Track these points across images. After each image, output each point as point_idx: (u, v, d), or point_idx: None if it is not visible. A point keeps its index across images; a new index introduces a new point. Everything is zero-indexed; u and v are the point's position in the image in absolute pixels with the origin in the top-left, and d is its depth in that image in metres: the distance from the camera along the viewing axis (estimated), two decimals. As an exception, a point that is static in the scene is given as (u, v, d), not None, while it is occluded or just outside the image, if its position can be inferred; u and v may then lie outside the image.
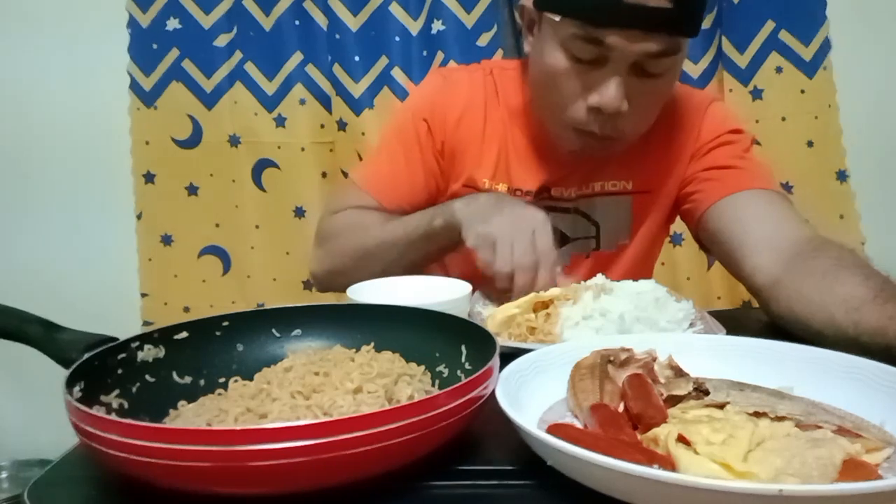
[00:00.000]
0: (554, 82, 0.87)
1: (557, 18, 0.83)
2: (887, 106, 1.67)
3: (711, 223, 0.93)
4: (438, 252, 0.96)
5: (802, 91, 1.62)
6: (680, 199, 1.01)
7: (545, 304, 0.77)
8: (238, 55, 1.69)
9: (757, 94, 1.62)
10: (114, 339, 0.55)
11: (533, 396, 0.53)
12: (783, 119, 1.62)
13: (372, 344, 0.60)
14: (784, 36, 1.60)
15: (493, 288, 0.83)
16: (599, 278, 0.82)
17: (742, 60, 1.62)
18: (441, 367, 0.58)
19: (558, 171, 0.99)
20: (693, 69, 1.61)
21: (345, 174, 1.67)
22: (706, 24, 1.59)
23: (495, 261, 0.80)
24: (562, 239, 1.02)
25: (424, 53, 1.66)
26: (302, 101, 1.70)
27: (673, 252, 1.66)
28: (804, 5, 1.60)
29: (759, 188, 0.91)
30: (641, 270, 1.04)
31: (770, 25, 1.61)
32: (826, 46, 1.60)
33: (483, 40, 1.64)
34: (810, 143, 1.63)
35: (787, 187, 1.63)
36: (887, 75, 1.67)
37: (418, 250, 0.94)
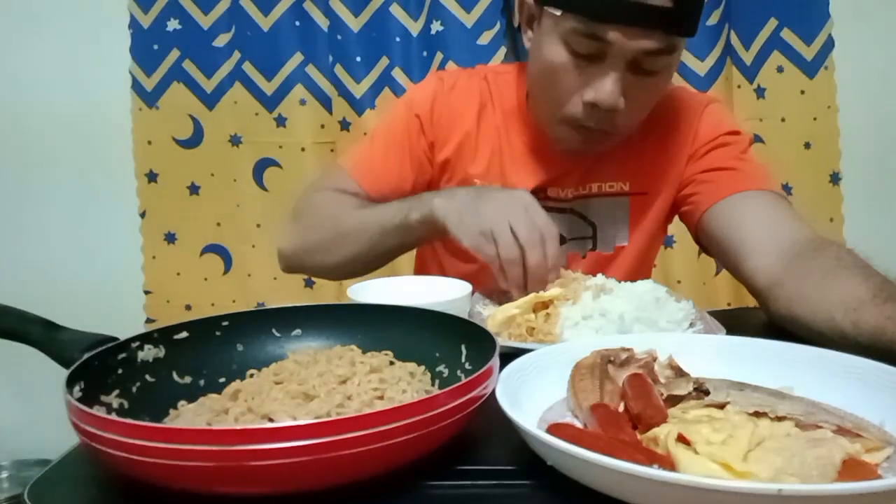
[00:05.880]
0: (552, 77, 0.88)
1: (558, 13, 0.84)
2: (883, 108, 1.67)
3: (710, 225, 0.93)
4: (413, 244, 0.95)
5: (802, 92, 1.61)
6: (678, 202, 1.01)
7: (545, 305, 0.77)
8: (237, 55, 1.70)
9: (761, 92, 1.62)
10: (114, 338, 0.55)
11: (533, 396, 0.53)
12: (783, 119, 1.62)
13: (372, 344, 0.60)
14: (786, 35, 1.60)
15: (497, 288, 0.81)
16: (599, 278, 0.82)
17: (748, 57, 1.62)
18: (441, 367, 0.58)
19: (554, 172, 0.99)
20: (700, 66, 1.59)
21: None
22: (713, 19, 1.58)
23: (500, 250, 0.77)
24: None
25: (425, 54, 1.66)
26: (302, 102, 1.70)
27: (664, 254, 1.64)
28: (807, 4, 1.59)
29: (758, 189, 0.91)
30: (639, 271, 1.04)
31: (773, 23, 1.60)
32: (828, 46, 1.60)
33: (484, 39, 1.64)
34: (808, 145, 1.62)
35: (786, 188, 1.63)
36: (886, 77, 1.67)
37: (392, 240, 0.92)
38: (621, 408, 0.52)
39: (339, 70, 1.66)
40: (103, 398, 0.50)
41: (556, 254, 0.78)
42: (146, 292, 1.81)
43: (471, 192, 0.86)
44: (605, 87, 0.83)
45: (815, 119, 1.62)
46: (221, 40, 1.71)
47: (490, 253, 0.79)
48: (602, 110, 0.85)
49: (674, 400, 0.51)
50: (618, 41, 0.81)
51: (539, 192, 1.00)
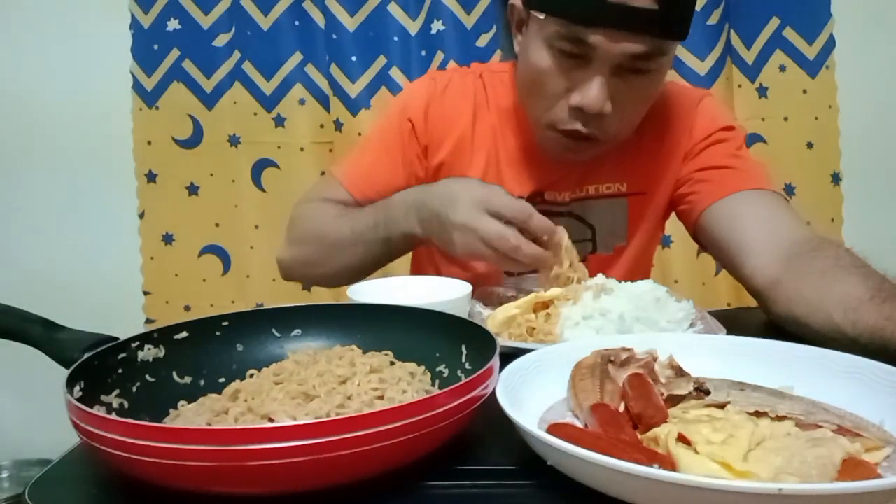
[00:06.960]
0: (538, 81, 0.87)
1: (542, 16, 0.83)
2: (884, 108, 1.67)
3: (709, 225, 0.92)
4: (401, 253, 0.95)
5: (804, 91, 1.61)
6: (675, 200, 1.00)
7: (545, 305, 0.77)
8: (237, 55, 1.69)
9: (762, 91, 1.62)
10: (114, 338, 0.55)
11: (533, 396, 0.53)
12: (785, 119, 1.62)
13: (372, 344, 0.60)
14: (789, 34, 1.60)
15: (491, 295, 0.81)
16: (600, 278, 0.82)
17: (749, 56, 1.61)
18: (441, 367, 0.58)
19: (551, 175, 0.99)
20: (700, 66, 1.59)
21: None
22: (713, 19, 1.58)
23: (499, 245, 0.76)
24: None
25: (423, 53, 1.65)
26: (301, 102, 1.70)
27: (662, 254, 1.64)
28: (808, 3, 1.59)
29: (756, 188, 0.90)
30: (639, 271, 1.04)
31: (775, 22, 1.60)
32: (829, 45, 1.60)
33: (483, 41, 1.64)
34: (810, 145, 1.62)
35: (789, 188, 1.62)
36: (887, 77, 1.67)
37: (379, 250, 0.92)
38: (622, 408, 0.52)
39: (334, 69, 1.65)
40: (103, 398, 0.50)
41: (542, 225, 0.77)
42: (145, 293, 1.80)
43: (431, 214, 0.82)
44: (591, 92, 0.82)
45: (816, 119, 1.62)
46: (221, 40, 1.71)
47: (491, 257, 0.78)
48: (589, 115, 0.84)
49: (674, 400, 0.51)
50: (601, 45, 0.79)
51: (536, 196, 0.99)
